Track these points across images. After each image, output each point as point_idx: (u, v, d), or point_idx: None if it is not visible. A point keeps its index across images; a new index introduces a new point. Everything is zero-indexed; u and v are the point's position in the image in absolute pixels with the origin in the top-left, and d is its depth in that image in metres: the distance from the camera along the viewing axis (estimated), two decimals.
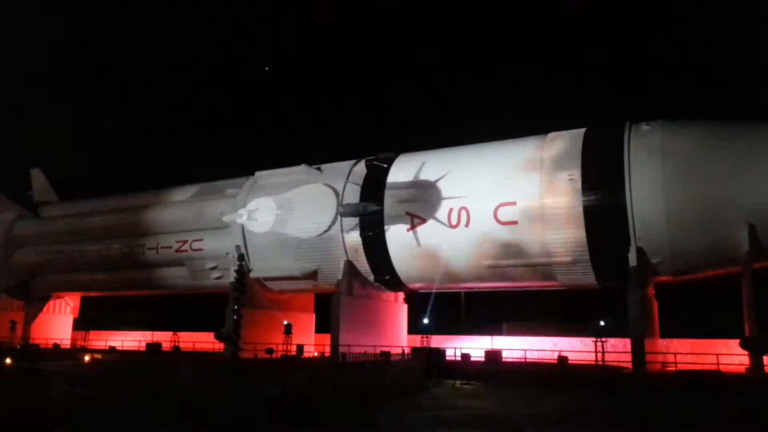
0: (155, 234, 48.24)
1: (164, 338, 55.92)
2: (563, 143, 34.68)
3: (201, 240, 45.73)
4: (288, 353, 40.04)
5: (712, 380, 27.70)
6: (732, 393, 24.44)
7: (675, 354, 32.57)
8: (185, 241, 46.42)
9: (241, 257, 40.41)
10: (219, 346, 43.88)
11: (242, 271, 38.46)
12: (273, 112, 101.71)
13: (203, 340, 52.81)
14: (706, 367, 31.14)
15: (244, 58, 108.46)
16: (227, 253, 43.88)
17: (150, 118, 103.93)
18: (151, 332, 60.51)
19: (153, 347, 51.82)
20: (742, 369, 29.28)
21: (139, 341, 57.62)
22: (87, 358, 41.69)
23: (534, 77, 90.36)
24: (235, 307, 34.40)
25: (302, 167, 43.09)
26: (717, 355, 31.43)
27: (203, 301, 51.75)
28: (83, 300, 63.48)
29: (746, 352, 28.57)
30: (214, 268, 45.34)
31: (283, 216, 41.54)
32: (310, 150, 78.58)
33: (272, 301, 44.95)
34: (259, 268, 42.88)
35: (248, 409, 18.02)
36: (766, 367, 28.17)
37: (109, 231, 51.22)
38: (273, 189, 43.34)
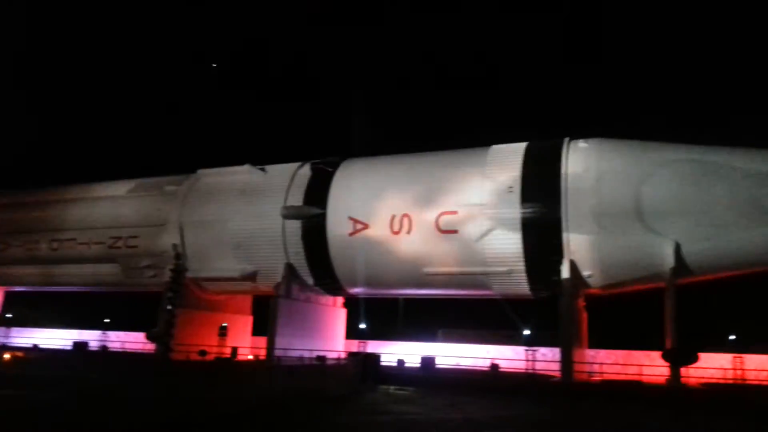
0: (88, 229, 46.46)
1: (92, 337, 53.85)
2: (505, 156, 35.55)
3: (137, 237, 44.33)
4: (222, 356, 39.32)
5: (634, 390, 28.93)
6: (652, 402, 25.60)
7: (601, 364, 33.86)
8: (119, 238, 44.90)
9: (177, 256, 39.42)
10: (150, 346, 42.62)
11: (179, 270, 37.53)
12: (218, 110, 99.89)
13: (133, 340, 51.16)
14: (629, 377, 32.48)
15: (192, 53, 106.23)
16: (163, 252, 42.75)
17: (89, 110, 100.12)
18: (78, 330, 58.10)
19: (80, 346, 49.84)
20: (662, 380, 30.74)
21: (66, 340, 55.21)
22: (7, 356, 39.68)
23: (485, 92, 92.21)
24: (169, 307, 33.55)
25: (246, 167, 42.50)
26: (640, 366, 32.85)
27: (135, 300, 50.16)
28: (6, 295, 60.37)
29: (667, 364, 30.00)
30: (148, 267, 44.01)
31: (223, 216, 40.86)
32: (254, 151, 77.94)
33: (208, 302, 44.09)
34: (196, 268, 41.85)
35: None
36: (683, 378, 29.64)
37: (39, 224, 49.01)
38: (215, 188, 42.58)
